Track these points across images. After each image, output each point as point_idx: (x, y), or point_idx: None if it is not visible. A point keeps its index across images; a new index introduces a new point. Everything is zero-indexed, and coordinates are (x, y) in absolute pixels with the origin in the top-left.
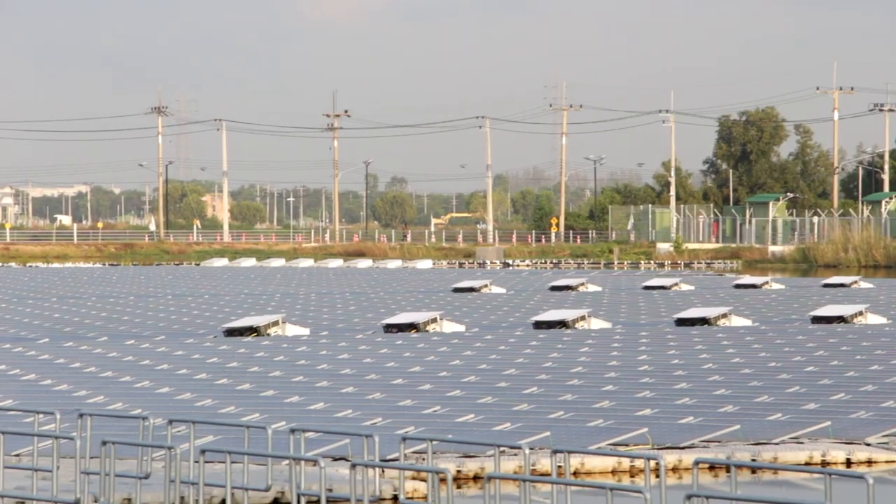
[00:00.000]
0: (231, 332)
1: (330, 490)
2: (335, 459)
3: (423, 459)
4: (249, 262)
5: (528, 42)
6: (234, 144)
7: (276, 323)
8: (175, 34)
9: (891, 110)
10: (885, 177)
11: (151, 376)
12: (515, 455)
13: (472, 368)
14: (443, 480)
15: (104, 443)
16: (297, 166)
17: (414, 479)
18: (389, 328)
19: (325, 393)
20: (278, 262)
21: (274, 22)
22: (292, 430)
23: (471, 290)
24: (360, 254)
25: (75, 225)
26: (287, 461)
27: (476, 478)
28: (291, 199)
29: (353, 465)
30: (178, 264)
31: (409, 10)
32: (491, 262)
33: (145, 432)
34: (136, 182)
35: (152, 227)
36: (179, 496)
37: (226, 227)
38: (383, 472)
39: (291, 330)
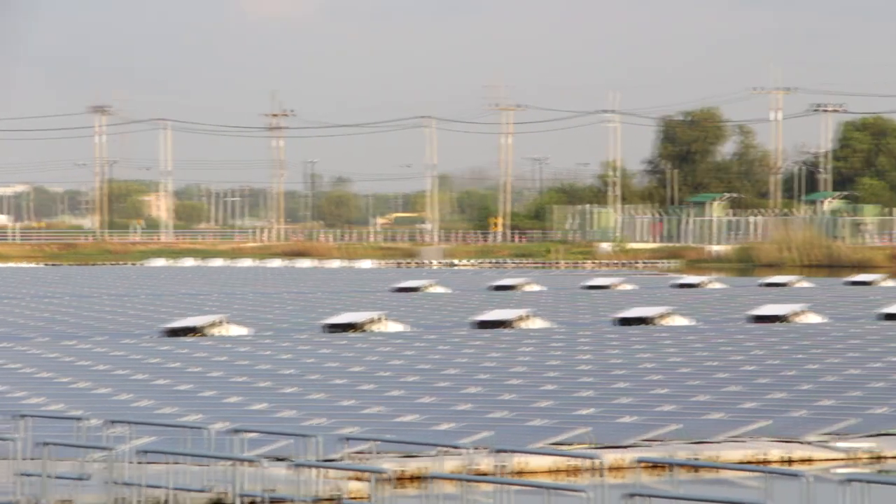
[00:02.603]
0: (171, 333)
1: (271, 491)
2: (276, 460)
3: (365, 459)
4: (190, 261)
5: (471, 42)
6: (177, 144)
7: (217, 323)
8: (117, 33)
9: (831, 111)
10: (825, 177)
11: (91, 377)
12: (456, 455)
13: (414, 368)
14: (384, 480)
15: (42, 444)
16: (239, 166)
17: (355, 479)
18: (331, 328)
19: (267, 393)
20: (220, 262)
21: (217, 21)
22: (233, 431)
23: (413, 289)
24: (302, 254)
25: (17, 224)
26: (227, 462)
27: (417, 478)
28: (234, 198)
29: (295, 466)
30: (118, 264)
31: (354, 10)
32: (433, 262)
33: (83, 433)
34: (77, 181)
35: (89, 226)
36: (119, 497)
37: (168, 226)
38: (324, 472)
39: (233, 330)
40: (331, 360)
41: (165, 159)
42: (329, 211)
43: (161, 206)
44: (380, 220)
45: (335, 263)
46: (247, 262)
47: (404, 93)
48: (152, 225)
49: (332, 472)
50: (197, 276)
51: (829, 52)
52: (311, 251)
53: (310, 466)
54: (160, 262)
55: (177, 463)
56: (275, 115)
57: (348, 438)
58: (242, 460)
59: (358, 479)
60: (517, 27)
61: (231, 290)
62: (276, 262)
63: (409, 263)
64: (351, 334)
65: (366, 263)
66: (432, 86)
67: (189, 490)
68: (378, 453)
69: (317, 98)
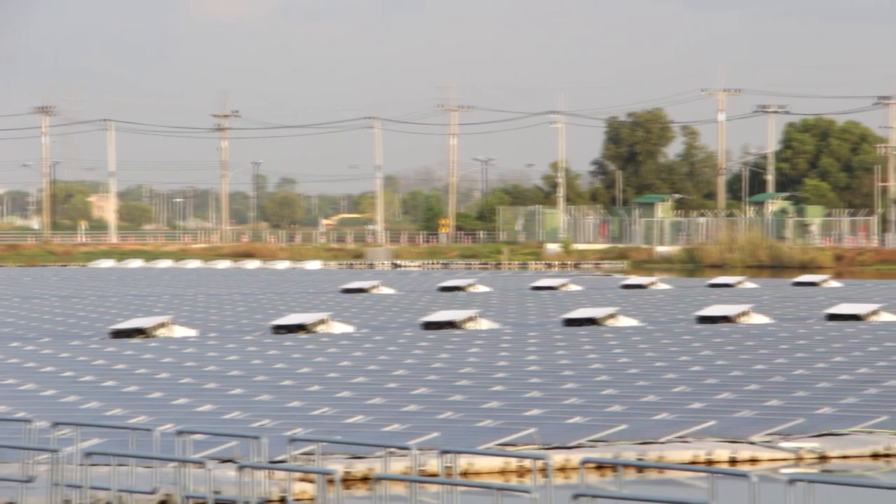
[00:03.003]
0: (118, 334)
1: (217, 492)
2: (223, 461)
3: (312, 461)
4: (137, 263)
5: (418, 43)
6: (122, 145)
7: (163, 324)
8: (64, 33)
9: (775, 112)
10: (770, 178)
11: (36, 378)
12: (404, 456)
13: (361, 369)
14: (331, 482)
15: None
16: (185, 167)
17: (302, 480)
18: (278, 329)
19: (213, 395)
20: (166, 264)
21: (163, 21)
22: (179, 433)
23: (360, 290)
24: (249, 255)
25: None
26: (174, 464)
27: (364, 479)
28: (179, 199)
29: (241, 467)
30: (64, 265)
31: (300, 10)
32: (380, 263)
33: (29, 435)
34: (21, 182)
35: (38, 227)
36: (64, 500)
37: (113, 228)
38: (271, 473)
39: (179, 331)
40: (278, 361)
41: (110, 160)
42: (275, 212)
43: (106, 208)
44: (326, 222)
45: (282, 264)
46: (194, 264)
47: (352, 94)
48: (97, 226)
49: (278, 474)
50: (143, 277)
51: (773, 54)
52: (257, 252)
53: (256, 468)
54: (107, 264)
55: (123, 465)
56: (221, 116)
57: (295, 440)
58: (189, 462)
59: (305, 480)
60: (465, 29)
61: (178, 292)
62: (223, 264)
63: (356, 265)
64: (298, 335)
65: (313, 264)
66: (380, 87)
67: (135, 492)
68: (325, 454)
69: (264, 99)
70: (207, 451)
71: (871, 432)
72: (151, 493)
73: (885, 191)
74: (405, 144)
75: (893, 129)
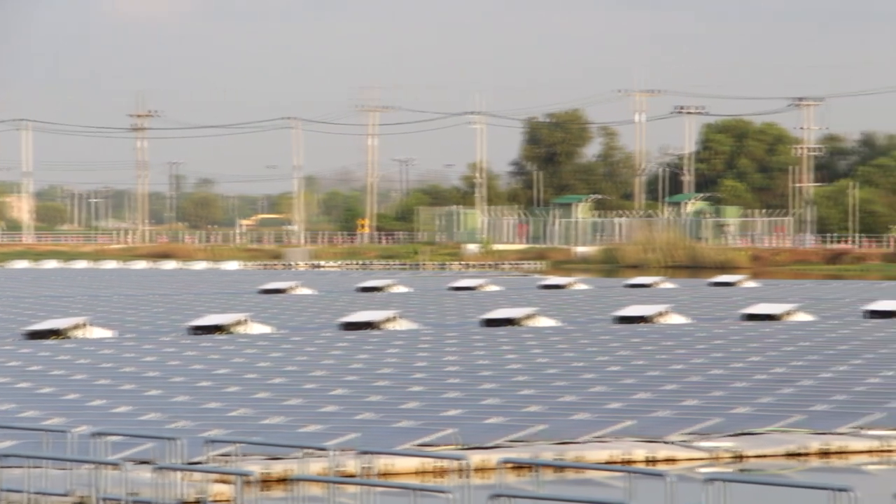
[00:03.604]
0: (33, 335)
1: (133, 494)
2: (139, 463)
3: (229, 462)
4: (52, 263)
5: (338, 43)
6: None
7: (79, 325)
8: None
9: (693, 113)
10: (687, 178)
11: None
12: (322, 457)
13: (280, 370)
14: (248, 483)
15: None
16: (102, 167)
17: (219, 481)
18: (196, 330)
19: (130, 396)
20: (82, 264)
21: (80, 20)
22: (95, 434)
23: (278, 291)
24: (167, 255)
25: None
26: (89, 465)
27: (282, 480)
28: (96, 200)
29: (158, 469)
30: None
31: (218, 10)
32: (299, 264)
33: None
34: None
35: None
36: None
37: (28, 228)
38: (188, 475)
39: (96, 332)
40: (196, 362)
41: (26, 160)
42: (193, 212)
43: (21, 208)
44: (244, 222)
45: (200, 265)
46: (111, 264)
47: (271, 94)
48: (12, 227)
49: (195, 475)
50: (59, 278)
51: (691, 55)
52: (175, 253)
53: (173, 469)
54: (21, 265)
55: (37, 467)
56: (138, 116)
57: (212, 441)
58: (105, 464)
59: (223, 481)
60: (384, 29)
61: (94, 293)
62: (141, 264)
63: (275, 265)
64: (216, 336)
65: (231, 265)
66: (299, 87)
67: (50, 494)
68: (243, 456)
69: (182, 99)
70: (124, 453)
71: (786, 432)
72: (66, 495)
73: (800, 191)
74: (324, 145)
75: (809, 130)
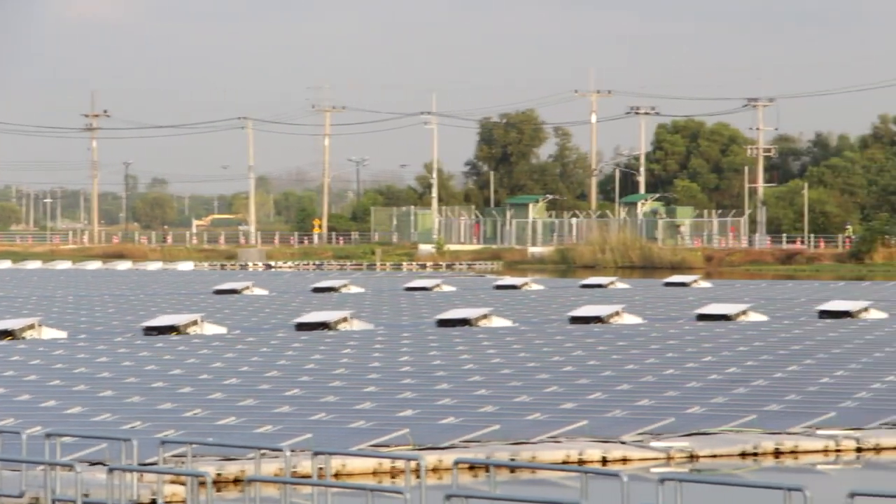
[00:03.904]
0: None
1: (86, 495)
2: (92, 464)
3: (183, 463)
4: (5, 264)
5: (291, 43)
6: None
7: (32, 326)
8: None
9: (646, 113)
10: (641, 179)
11: None
12: (276, 457)
13: (234, 371)
14: (202, 484)
15: None
16: (54, 167)
17: (173, 482)
18: (149, 331)
19: (83, 397)
20: (35, 265)
21: (32, 20)
22: (48, 435)
23: (232, 291)
24: (120, 256)
25: None
26: (42, 466)
27: (236, 481)
28: (49, 200)
29: (111, 470)
30: None
31: (173, 10)
32: (253, 264)
33: None
34: None
35: None
36: None
37: None
38: (142, 476)
39: (48, 333)
40: (149, 363)
41: None
42: (146, 212)
43: None
44: (198, 222)
45: (154, 265)
46: (63, 265)
47: (224, 94)
48: None
49: (149, 476)
50: (11, 278)
51: (644, 56)
52: (128, 253)
53: (127, 470)
54: None
55: None
56: (91, 116)
57: (166, 442)
58: (57, 465)
59: (176, 482)
60: (338, 29)
61: (47, 293)
62: (94, 265)
63: (229, 265)
64: (170, 337)
65: (185, 265)
66: (253, 87)
67: (2, 495)
68: (197, 456)
69: (136, 99)
70: (77, 454)
71: (739, 431)
72: (19, 496)
73: (753, 192)
74: (278, 145)
75: (762, 130)
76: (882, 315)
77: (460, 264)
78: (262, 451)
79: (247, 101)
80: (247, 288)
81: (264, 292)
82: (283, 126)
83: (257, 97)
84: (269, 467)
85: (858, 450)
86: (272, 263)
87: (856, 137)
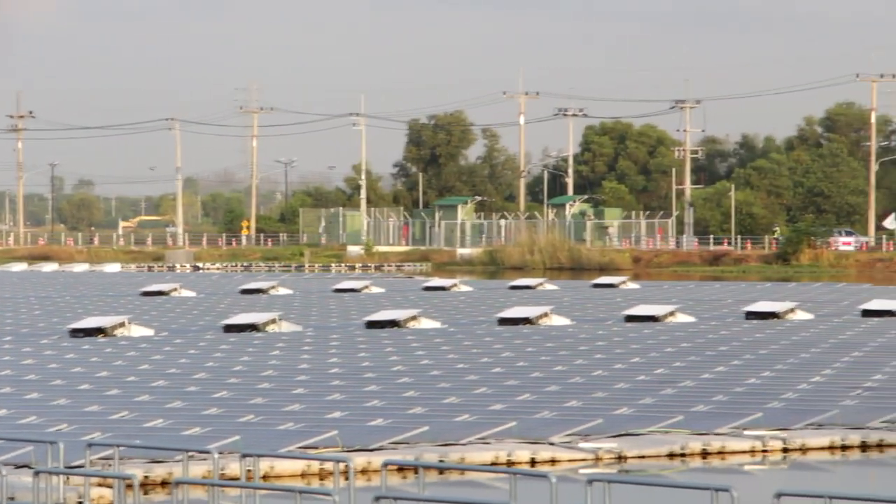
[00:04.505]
0: None
1: (12, 499)
2: (18, 467)
3: (110, 465)
4: None
5: (219, 43)
6: None
7: None
8: None
9: (574, 115)
10: (570, 180)
11: None
12: (204, 460)
13: (162, 373)
14: (129, 486)
15: None
16: None
17: (100, 485)
18: (76, 333)
19: (8, 399)
20: None
21: None
22: None
23: (160, 293)
24: (46, 257)
25: None
26: None
27: (164, 483)
28: None
29: (37, 473)
30: None
31: (99, 10)
32: (181, 266)
33: None
34: None
35: None
36: None
37: None
38: (68, 478)
39: None
40: (76, 365)
41: None
42: (72, 214)
43: None
44: (125, 224)
45: (80, 267)
46: None
47: (151, 95)
48: None
49: (75, 479)
50: None
51: (572, 58)
52: (54, 255)
53: (53, 473)
54: None
55: None
56: (16, 117)
57: (93, 444)
58: None
59: (103, 485)
60: (266, 30)
61: None
62: (19, 266)
63: (156, 267)
64: (97, 339)
65: (112, 267)
66: (180, 88)
67: None
68: (124, 459)
69: (62, 100)
70: (2, 457)
71: (667, 432)
72: None
73: (681, 193)
74: (206, 146)
75: (689, 132)
76: (808, 316)
77: (389, 266)
78: (190, 454)
79: (174, 102)
80: (174, 290)
81: (192, 294)
82: (211, 127)
83: (185, 98)
84: (197, 469)
85: (785, 450)
86: (200, 265)
87: (782, 139)
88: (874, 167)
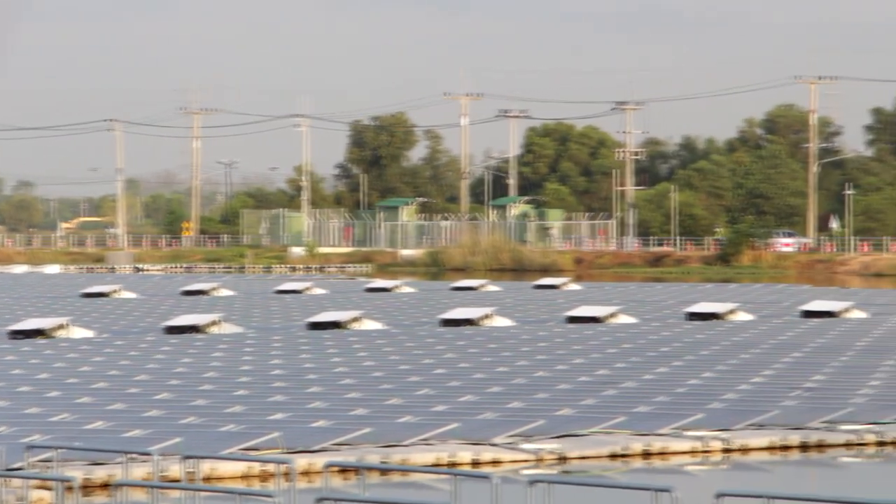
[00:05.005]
0: None
1: None
2: None
3: (50, 468)
4: None
5: (160, 44)
6: None
7: None
8: None
9: (516, 116)
10: (512, 182)
11: None
12: (146, 462)
13: (102, 374)
14: (69, 489)
15: None
16: None
17: (40, 487)
18: (15, 334)
19: None
20: None
21: None
22: None
23: (101, 295)
24: None
25: None
26: None
27: (105, 485)
28: None
29: None
30: None
31: (37, 10)
32: (122, 267)
33: None
34: None
35: None
36: None
37: None
38: (7, 481)
39: None
40: (15, 367)
41: None
42: (12, 215)
43: None
44: (65, 225)
45: (20, 269)
46: None
47: (92, 95)
48: None
49: (15, 482)
50: None
51: (514, 59)
52: None
53: None
54: None
55: None
56: None
57: (33, 446)
58: None
59: (43, 487)
60: (208, 30)
61: None
62: None
63: (97, 269)
64: (37, 341)
65: (52, 269)
66: (121, 89)
67: None
68: (64, 461)
69: (0, 101)
70: None
71: (609, 433)
72: None
73: (622, 195)
74: (147, 147)
75: (631, 134)
76: (749, 317)
77: (331, 267)
78: (131, 456)
79: (116, 102)
80: (115, 291)
81: (133, 295)
82: (152, 128)
83: (126, 99)
84: (138, 472)
85: (726, 450)
86: (141, 266)
87: (723, 141)
88: (814, 169)
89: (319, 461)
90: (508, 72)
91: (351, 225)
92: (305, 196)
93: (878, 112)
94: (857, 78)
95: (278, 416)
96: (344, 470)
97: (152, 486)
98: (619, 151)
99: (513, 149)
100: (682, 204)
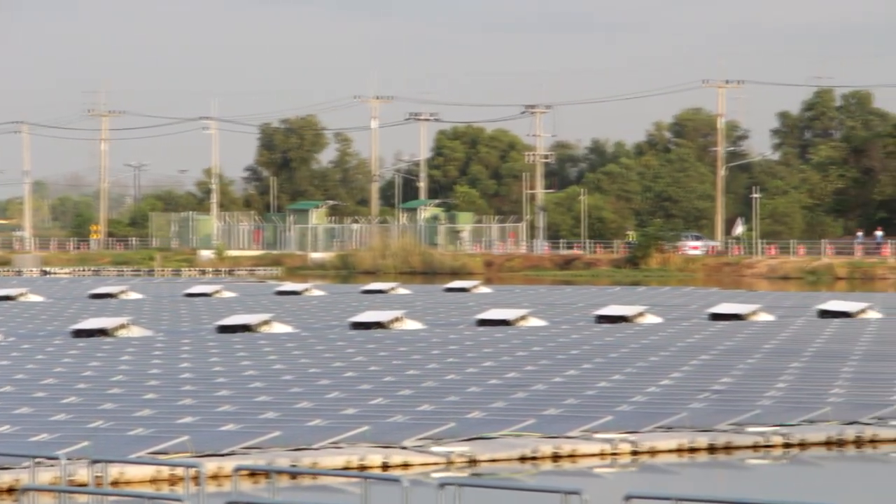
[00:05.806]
0: None
1: None
2: None
3: None
4: None
5: (68, 46)
6: None
7: None
8: None
9: (427, 119)
10: (422, 185)
11: None
12: (53, 466)
13: (8, 378)
14: None
15: None
16: None
17: None
18: None
19: None
20: None
21: None
22: None
23: (7, 298)
24: None
25: None
26: None
27: (11, 490)
28: None
29: None
30: None
31: None
32: (29, 270)
33: None
34: None
35: None
36: None
37: None
38: None
39: None
40: None
41: None
42: None
43: None
44: None
45: None
46: None
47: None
48: None
49: None
50: None
51: (424, 62)
52: None
53: None
54: None
55: None
56: None
57: None
58: None
59: None
60: (116, 33)
61: None
62: None
63: (3, 272)
64: None
65: None
66: (28, 91)
67: None
68: None
69: None
70: None
71: (519, 436)
72: None
73: (532, 198)
74: (54, 149)
75: (540, 137)
76: (657, 319)
77: (241, 270)
78: (38, 460)
79: (22, 104)
80: (22, 294)
81: (40, 299)
82: (60, 130)
83: (33, 101)
84: (46, 476)
85: (634, 453)
86: (48, 269)
87: (631, 144)
88: (721, 172)
89: (229, 465)
90: (418, 75)
91: (260, 228)
92: (215, 199)
93: (784, 116)
94: (764, 82)
95: (187, 419)
96: (253, 473)
97: (60, 491)
98: (528, 155)
99: (423, 152)
100: (592, 207)
